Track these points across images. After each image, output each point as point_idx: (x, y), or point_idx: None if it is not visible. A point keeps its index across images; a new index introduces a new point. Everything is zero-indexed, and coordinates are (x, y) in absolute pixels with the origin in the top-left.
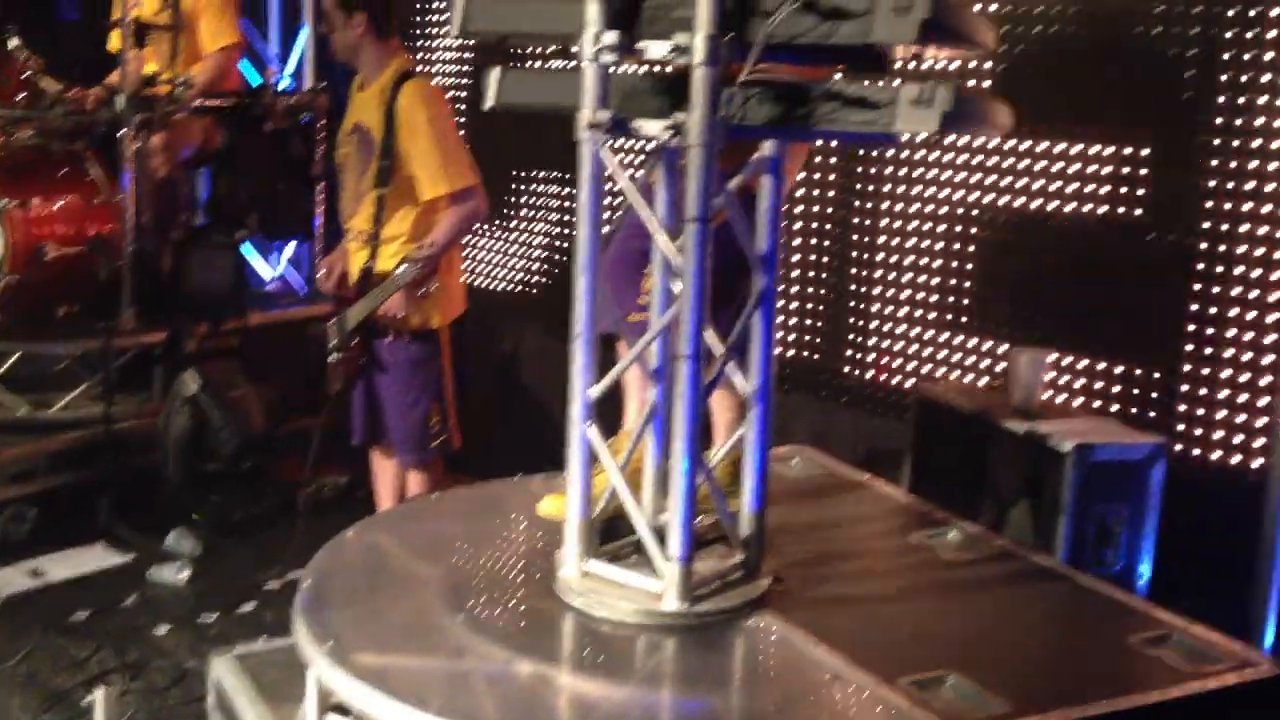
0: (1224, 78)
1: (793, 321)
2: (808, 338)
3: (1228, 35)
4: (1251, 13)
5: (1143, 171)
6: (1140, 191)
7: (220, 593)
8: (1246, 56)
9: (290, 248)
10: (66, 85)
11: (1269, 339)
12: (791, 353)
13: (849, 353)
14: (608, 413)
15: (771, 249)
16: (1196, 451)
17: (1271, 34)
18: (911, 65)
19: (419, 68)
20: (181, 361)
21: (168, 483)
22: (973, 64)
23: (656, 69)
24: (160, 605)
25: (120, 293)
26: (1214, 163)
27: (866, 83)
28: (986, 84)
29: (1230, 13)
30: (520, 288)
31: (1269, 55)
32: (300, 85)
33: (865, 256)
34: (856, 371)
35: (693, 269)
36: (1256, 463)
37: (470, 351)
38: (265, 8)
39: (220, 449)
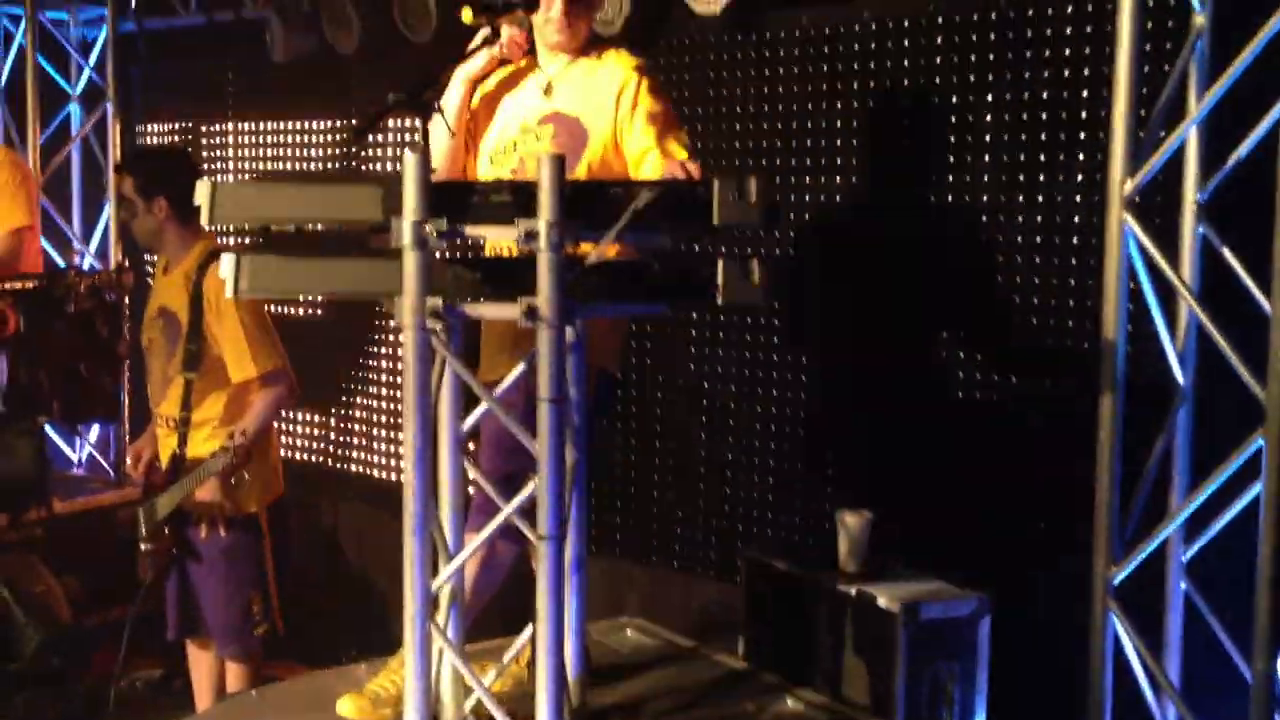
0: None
1: (617, 488)
2: (634, 505)
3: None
4: None
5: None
6: (944, 352)
7: None
8: None
9: (95, 430)
10: None
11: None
12: (618, 519)
13: (678, 514)
14: None
15: (582, 425)
16: (1021, 604)
17: None
18: None
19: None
20: None
21: None
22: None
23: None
24: None
25: None
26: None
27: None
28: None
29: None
30: (342, 462)
31: None
32: (105, 264)
33: (690, 419)
34: (686, 535)
35: (548, 450)
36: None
37: (293, 527)
38: (68, 186)
39: (23, 647)
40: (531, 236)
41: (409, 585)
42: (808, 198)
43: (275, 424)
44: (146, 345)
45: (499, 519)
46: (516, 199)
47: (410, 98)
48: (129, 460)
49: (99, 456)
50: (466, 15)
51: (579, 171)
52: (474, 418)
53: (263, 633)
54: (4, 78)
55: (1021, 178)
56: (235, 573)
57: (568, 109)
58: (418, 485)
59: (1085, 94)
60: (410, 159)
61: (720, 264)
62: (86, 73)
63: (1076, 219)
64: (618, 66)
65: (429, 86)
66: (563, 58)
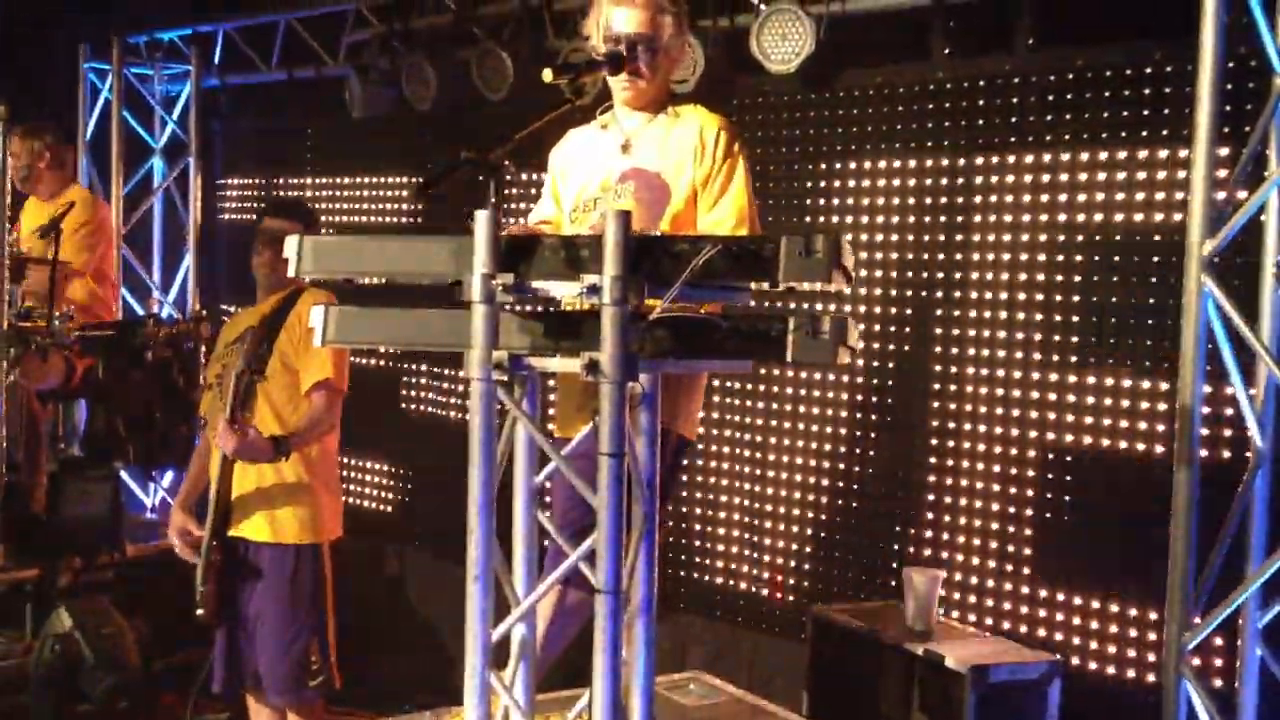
0: None
1: (683, 541)
2: (698, 559)
3: None
4: None
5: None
6: (1016, 410)
7: None
8: None
9: (169, 476)
10: None
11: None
12: (684, 573)
13: (744, 569)
14: None
15: (651, 475)
16: (1092, 667)
17: None
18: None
19: None
20: (54, 597)
21: None
22: None
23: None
24: None
25: None
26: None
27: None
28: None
29: None
30: (403, 510)
31: None
32: (182, 313)
33: (757, 475)
34: (751, 590)
35: (609, 504)
36: (1150, 677)
37: (355, 572)
38: (149, 236)
39: (93, 689)
40: (594, 291)
41: (470, 634)
42: (879, 255)
43: (335, 464)
44: (217, 376)
45: (560, 570)
46: (584, 254)
47: (481, 155)
48: (177, 545)
49: (171, 502)
50: (548, 75)
51: (662, 226)
52: (547, 471)
53: (318, 685)
54: (90, 131)
55: (1098, 238)
56: (296, 612)
57: (648, 165)
58: (481, 534)
59: (1164, 154)
60: (481, 216)
61: (790, 321)
62: (169, 127)
63: (1154, 280)
64: (697, 122)
65: (501, 145)
66: (641, 115)
